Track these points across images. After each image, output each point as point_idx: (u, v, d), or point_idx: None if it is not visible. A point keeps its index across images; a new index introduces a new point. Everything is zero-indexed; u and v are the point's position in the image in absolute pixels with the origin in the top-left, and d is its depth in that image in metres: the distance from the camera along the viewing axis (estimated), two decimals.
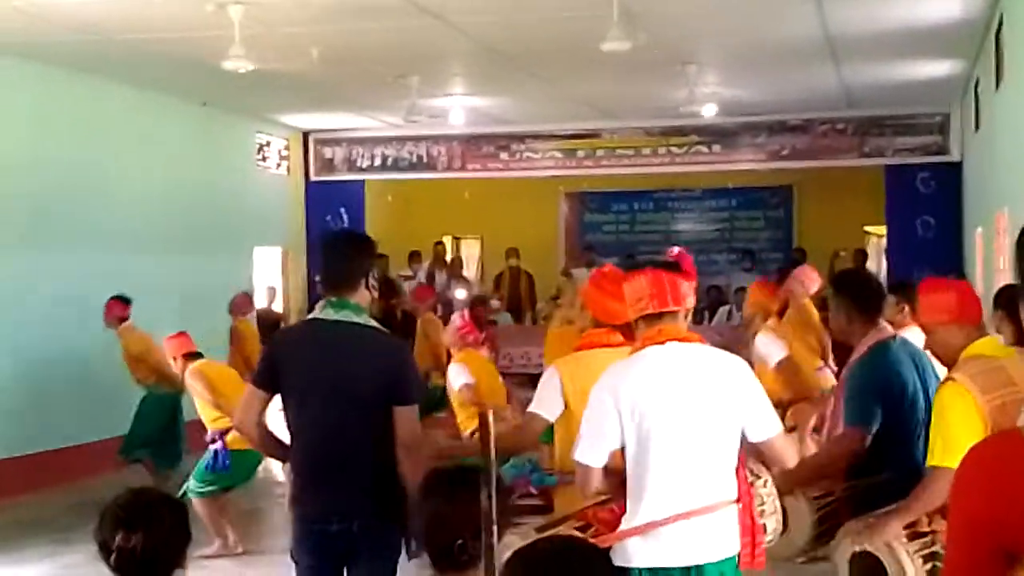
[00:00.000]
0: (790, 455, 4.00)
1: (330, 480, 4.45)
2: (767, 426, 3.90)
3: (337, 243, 4.84)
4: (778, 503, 4.18)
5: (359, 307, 4.52)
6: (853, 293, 5.18)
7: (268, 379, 4.58)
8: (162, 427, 10.03)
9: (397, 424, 4.40)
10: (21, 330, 10.76)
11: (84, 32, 9.82)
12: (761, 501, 4.11)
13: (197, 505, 8.09)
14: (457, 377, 7.66)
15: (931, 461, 4.09)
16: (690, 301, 3.96)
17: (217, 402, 8.23)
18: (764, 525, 4.07)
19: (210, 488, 8.28)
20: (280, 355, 4.59)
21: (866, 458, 4.81)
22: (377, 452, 4.40)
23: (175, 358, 8.66)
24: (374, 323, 4.58)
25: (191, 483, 8.30)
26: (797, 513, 4.45)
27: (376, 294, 4.66)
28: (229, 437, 8.07)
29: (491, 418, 2.74)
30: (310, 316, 4.75)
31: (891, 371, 4.89)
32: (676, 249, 4.21)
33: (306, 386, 4.47)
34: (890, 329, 5.11)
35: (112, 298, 10.17)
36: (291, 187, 16.51)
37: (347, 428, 4.42)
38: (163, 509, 3.18)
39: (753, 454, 4.04)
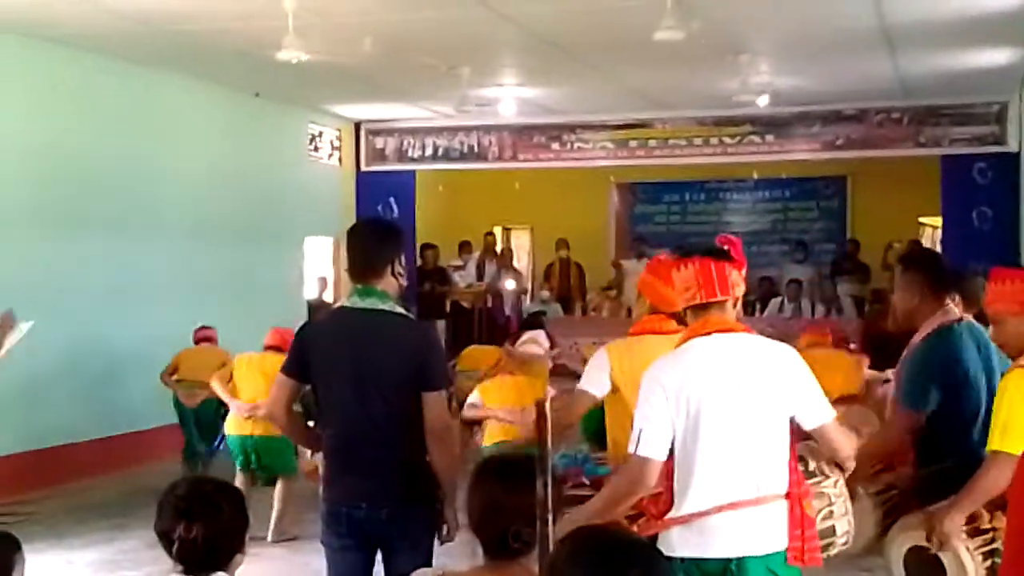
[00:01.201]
0: (844, 443, 3.94)
1: (359, 466, 4.49)
2: (819, 413, 3.85)
3: (362, 231, 4.87)
4: (849, 504, 4.07)
5: (385, 294, 4.55)
6: (927, 269, 5.06)
7: (298, 368, 4.63)
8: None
9: (425, 410, 4.42)
10: (77, 317, 10.88)
11: (138, 22, 9.89)
12: (830, 502, 4.01)
13: None
14: None
15: (990, 446, 4.04)
16: (739, 290, 3.93)
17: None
18: (834, 527, 3.99)
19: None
20: (309, 344, 4.64)
21: (927, 446, 4.75)
22: (405, 438, 4.44)
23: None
24: (400, 309, 4.59)
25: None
26: (860, 509, 4.38)
27: (404, 281, 4.67)
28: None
29: (548, 407, 2.74)
30: (338, 304, 4.81)
31: (954, 354, 4.79)
32: (728, 236, 4.17)
33: (334, 374, 4.52)
34: (956, 312, 4.98)
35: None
36: (343, 177, 16.56)
37: (375, 414, 4.46)
38: (221, 498, 3.24)
39: (820, 451, 3.98)
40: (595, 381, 4.70)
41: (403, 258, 4.67)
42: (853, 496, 4.14)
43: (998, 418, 4.04)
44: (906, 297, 5.05)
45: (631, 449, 3.80)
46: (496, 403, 7.93)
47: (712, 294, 3.85)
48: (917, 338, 4.97)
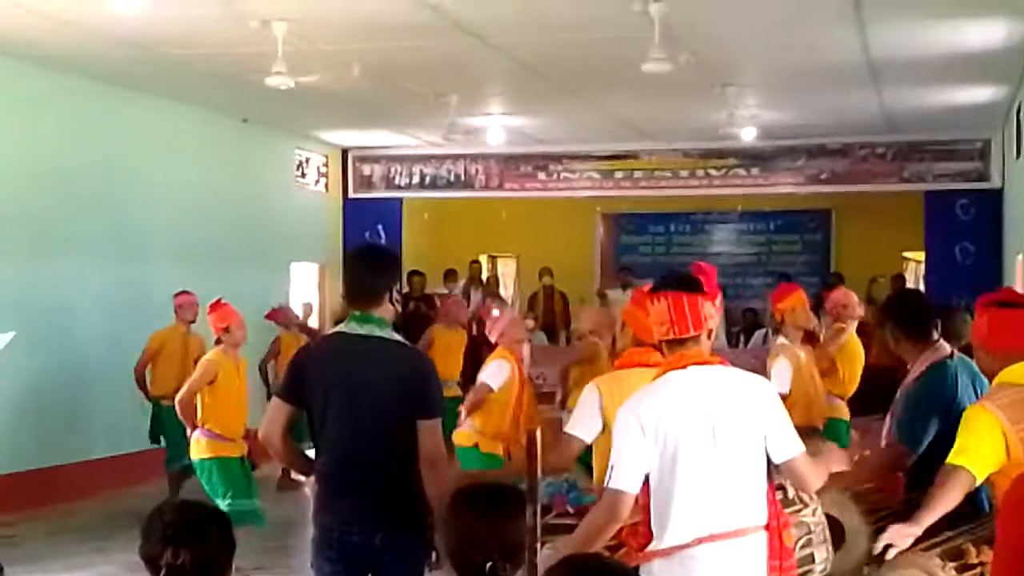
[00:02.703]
0: (813, 478, 3.97)
1: (352, 490, 4.49)
2: (788, 447, 3.87)
3: (362, 257, 4.88)
4: (828, 532, 4.12)
5: (383, 321, 4.56)
6: (900, 318, 5.21)
7: (293, 392, 4.62)
8: None
9: (420, 438, 4.42)
10: (61, 338, 10.86)
11: (127, 46, 9.92)
12: (808, 530, 4.06)
13: None
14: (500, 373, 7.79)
15: (948, 460, 4.12)
16: (713, 321, 3.95)
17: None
18: (812, 554, 4.03)
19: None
20: (305, 368, 4.63)
21: (920, 470, 4.79)
22: (399, 465, 4.44)
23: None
24: (398, 337, 4.61)
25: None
26: (852, 528, 4.42)
27: (399, 308, 4.68)
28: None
29: (539, 436, 2.75)
30: (335, 330, 4.79)
31: (947, 391, 4.91)
32: (700, 265, 4.21)
33: (330, 398, 4.51)
34: (947, 348, 5.09)
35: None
36: (329, 204, 16.59)
37: (370, 440, 4.46)
38: (209, 523, 3.21)
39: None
40: (585, 426, 4.72)
41: (399, 285, 4.69)
42: (841, 508, 4.20)
43: (957, 438, 4.17)
44: (892, 343, 5.24)
45: (606, 483, 3.83)
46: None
47: (685, 330, 3.87)
48: (910, 378, 5.09)
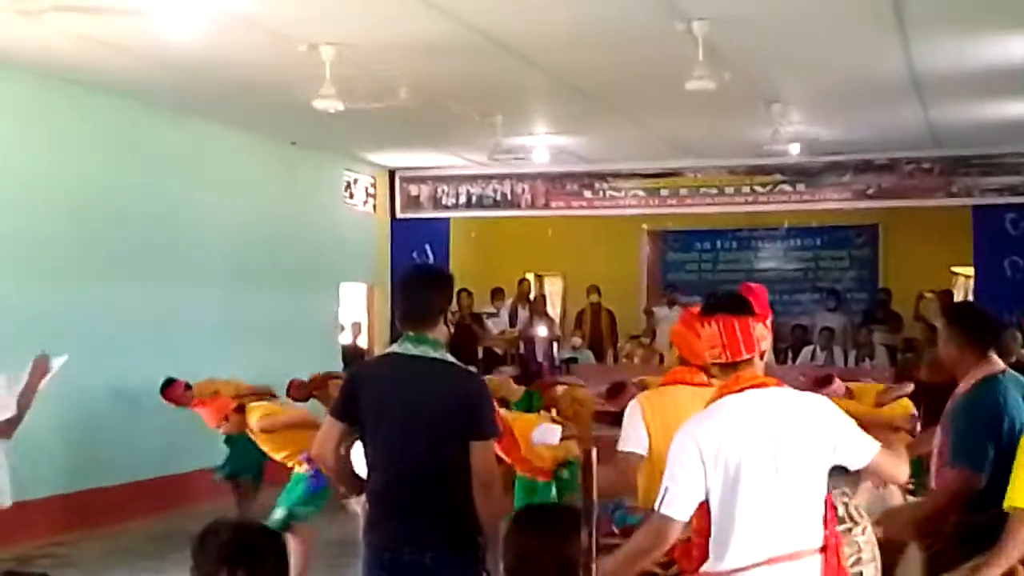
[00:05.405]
0: (900, 468, 3.93)
1: (404, 510, 4.50)
2: (864, 449, 3.82)
3: (416, 279, 4.88)
4: (877, 551, 4.08)
5: (437, 342, 4.58)
6: (967, 323, 5.15)
7: (346, 410, 4.64)
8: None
9: (473, 459, 4.43)
10: (112, 360, 10.99)
11: (178, 71, 10.08)
12: (858, 548, 4.03)
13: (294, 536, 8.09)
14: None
15: (1010, 502, 4.03)
16: (765, 343, 3.90)
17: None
18: (861, 572, 4.00)
19: (312, 511, 8.10)
20: (359, 387, 4.66)
21: (975, 494, 4.76)
22: (452, 485, 4.44)
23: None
24: (451, 358, 4.62)
25: (293, 509, 8.01)
26: (906, 553, 4.39)
27: (452, 328, 4.70)
28: None
29: (595, 457, 2.77)
30: (388, 350, 4.81)
31: (999, 405, 4.85)
32: (749, 285, 4.14)
33: (383, 418, 4.53)
34: (1000, 363, 5.05)
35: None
36: (377, 224, 16.70)
37: (423, 460, 4.47)
38: (264, 544, 3.18)
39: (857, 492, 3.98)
40: (635, 439, 4.72)
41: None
42: (903, 551, 4.15)
43: (1019, 474, 4.05)
44: (949, 350, 5.14)
45: (656, 506, 3.77)
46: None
47: (738, 354, 3.83)
48: (960, 389, 5.03)
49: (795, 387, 4.04)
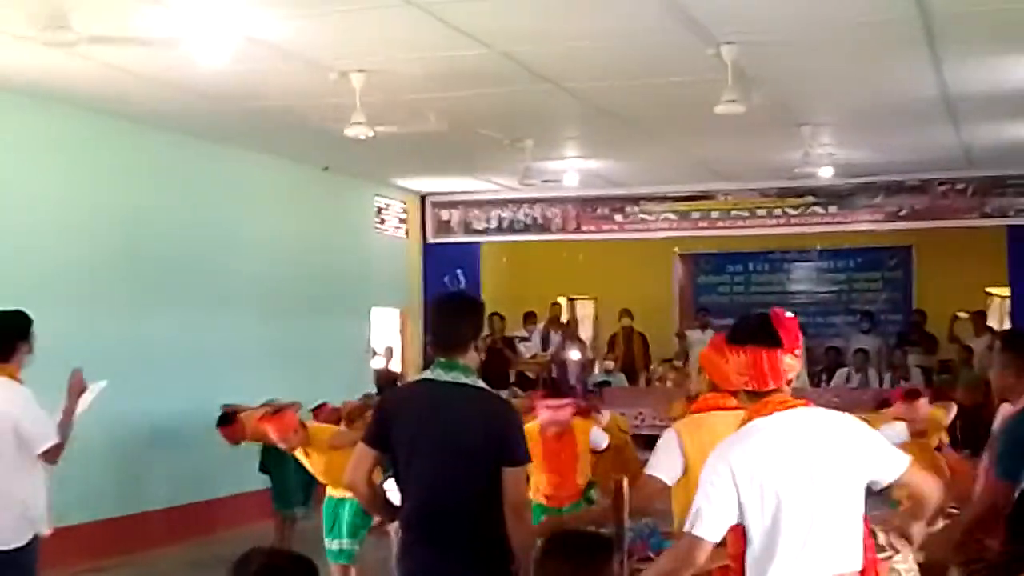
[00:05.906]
0: (931, 484, 3.90)
1: (437, 537, 4.50)
2: (895, 463, 3.81)
3: (448, 305, 4.91)
4: None
5: (468, 368, 4.59)
6: (1021, 351, 5.16)
7: (378, 437, 4.65)
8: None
9: (505, 485, 4.43)
10: (149, 386, 11.06)
11: (210, 99, 10.17)
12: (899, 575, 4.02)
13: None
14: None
15: None
16: (793, 373, 3.86)
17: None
18: None
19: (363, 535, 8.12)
20: (391, 414, 4.68)
21: (1019, 522, 4.71)
22: (484, 512, 4.44)
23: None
24: (483, 384, 4.63)
25: (346, 543, 8.01)
26: None
27: (485, 353, 4.71)
28: None
29: (626, 486, 2.78)
30: (420, 376, 4.84)
31: None
32: (779, 311, 4.05)
33: (415, 445, 4.54)
34: None
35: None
36: (409, 249, 16.77)
37: (455, 487, 4.48)
38: (298, 572, 3.12)
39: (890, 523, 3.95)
40: (666, 467, 4.71)
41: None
42: (945, 575, 4.11)
43: None
44: (1003, 375, 5.14)
45: (687, 527, 3.74)
46: None
47: (764, 385, 3.81)
48: (1013, 409, 5.02)
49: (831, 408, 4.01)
